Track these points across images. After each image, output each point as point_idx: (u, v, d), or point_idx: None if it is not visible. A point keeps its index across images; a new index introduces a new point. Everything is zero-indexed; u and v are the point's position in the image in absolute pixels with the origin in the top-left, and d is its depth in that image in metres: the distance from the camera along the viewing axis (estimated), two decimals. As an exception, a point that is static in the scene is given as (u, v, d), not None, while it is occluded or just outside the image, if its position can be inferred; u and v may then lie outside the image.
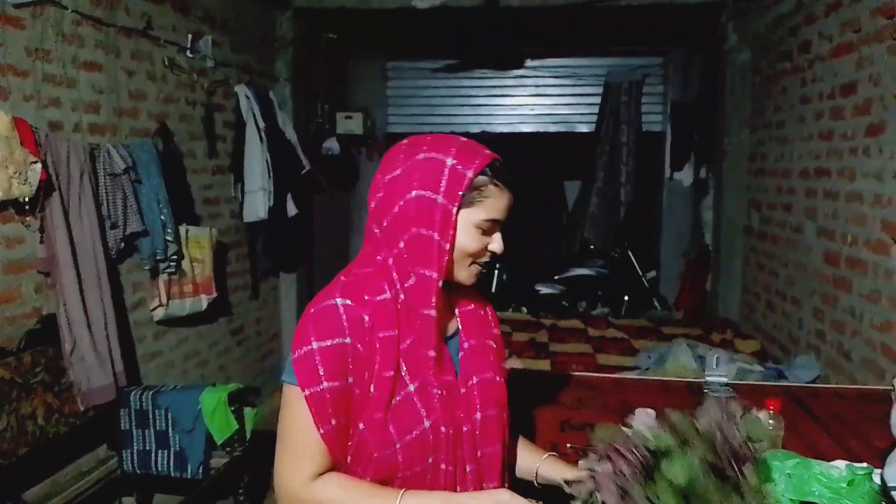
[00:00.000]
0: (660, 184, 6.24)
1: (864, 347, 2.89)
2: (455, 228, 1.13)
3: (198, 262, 3.61)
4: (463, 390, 1.20)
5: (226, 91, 4.14)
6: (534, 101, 6.28)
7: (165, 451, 2.98)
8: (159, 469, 2.99)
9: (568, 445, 1.74)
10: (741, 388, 2.19)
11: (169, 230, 3.32)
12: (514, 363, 3.35)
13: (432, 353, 1.14)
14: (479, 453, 1.20)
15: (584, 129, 6.29)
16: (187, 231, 3.55)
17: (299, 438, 1.11)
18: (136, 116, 3.35)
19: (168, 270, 3.41)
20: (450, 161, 1.12)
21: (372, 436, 1.11)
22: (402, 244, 1.13)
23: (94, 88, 3.03)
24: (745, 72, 4.64)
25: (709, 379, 2.17)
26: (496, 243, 1.18)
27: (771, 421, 1.60)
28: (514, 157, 6.40)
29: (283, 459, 1.13)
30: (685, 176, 5.94)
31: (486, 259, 1.19)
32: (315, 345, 1.08)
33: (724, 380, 2.16)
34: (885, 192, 2.74)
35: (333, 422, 1.10)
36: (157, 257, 3.30)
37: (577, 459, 1.44)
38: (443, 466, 1.15)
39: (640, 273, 6.12)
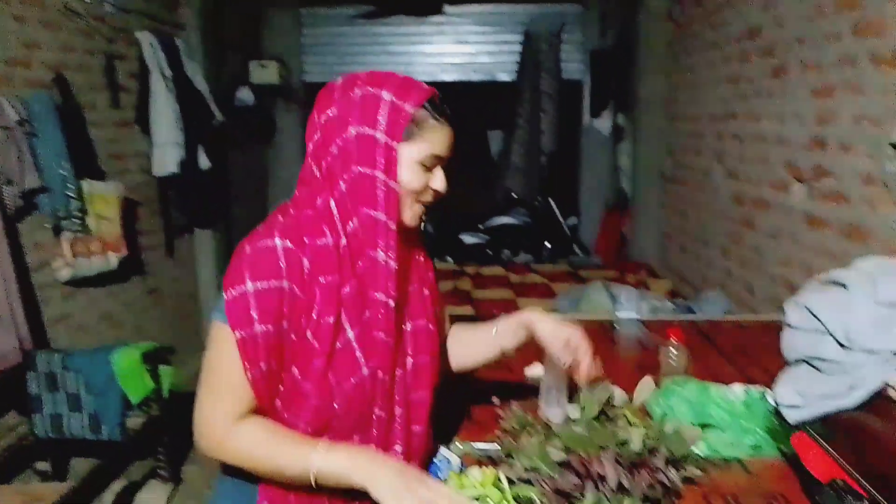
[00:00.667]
0: (579, 132, 6.30)
1: (767, 282, 3.03)
2: (397, 165, 1.09)
3: (104, 220, 3.46)
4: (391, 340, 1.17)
5: (127, 39, 3.91)
6: (454, 48, 6.20)
7: (79, 414, 2.89)
8: (73, 432, 2.90)
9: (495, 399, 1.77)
10: (651, 324, 2.27)
11: (70, 186, 3.16)
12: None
13: (384, 298, 1.11)
14: (409, 398, 1.20)
15: (505, 77, 6.27)
16: (91, 186, 3.38)
17: (224, 379, 1.08)
18: (30, 66, 3.14)
19: (72, 228, 3.25)
20: (387, 96, 1.08)
21: (310, 383, 1.09)
22: (343, 185, 1.09)
23: (-21, 35, 2.83)
24: (660, 19, 4.70)
25: (620, 316, 2.24)
26: (439, 181, 1.15)
27: (674, 351, 1.66)
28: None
29: (206, 399, 1.10)
30: (604, 123, 6.01)
31: (429, 199, 1.16)
32: (250, 286, 1.04)
33: (635, 316, 2.24)
34: (787, 133, 2.84)
35: (263, 366, 1.07)
36: (59, 214, 3.15)
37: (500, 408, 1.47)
38: (376, 411, 1.14)
39: (561, 220, 6.22)
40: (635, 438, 1.19)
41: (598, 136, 6.08)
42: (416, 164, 1.10)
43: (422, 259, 1.30)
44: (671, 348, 1.65)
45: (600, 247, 6.00)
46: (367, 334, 1.11)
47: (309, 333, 1.07)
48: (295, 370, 1.10)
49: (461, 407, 1.63)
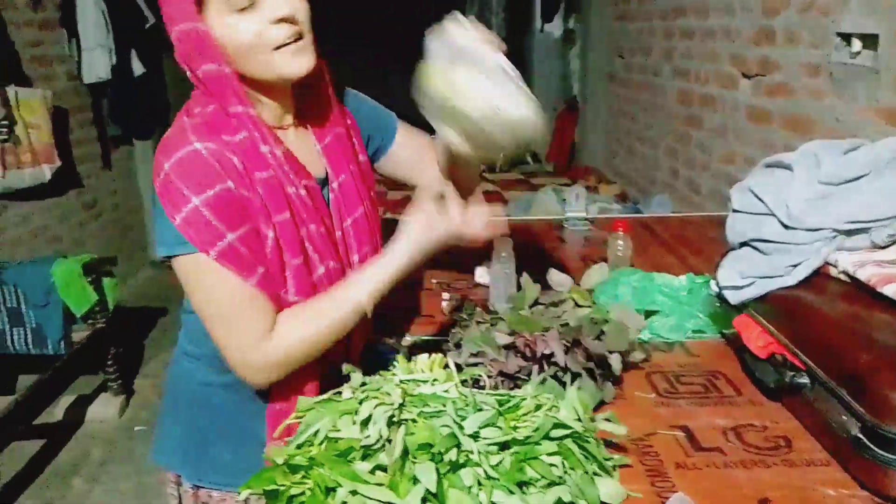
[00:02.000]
0: (531, 36, 6.17)
1: (712, 180, 3.07)
2: (217, 42, 0.93)
3: (33, 129, 3.29)
4: (339, 233, 1.11)
5: (45, -70, 3.62)
6: (399, -52, 5.94)
7: (21, 329, 2.82)
8: (16, 348, 2.84)
9: (433, 281, 1.76)
10: (598, 222, 2.28)
11: (-8, 91, 2.97)
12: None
13: (296, 191, 1.01)
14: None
15: (452, -21, 6.06)
16: (17, 93, 3.19)
17: (234, 303, 0.97)
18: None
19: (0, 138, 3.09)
20: None
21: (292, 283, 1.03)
22: (207, 91, 0.97)
23: None
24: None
25: (569, 214, 2.24)
26: (276, 7, 0.92)
27: (619, 241, 1.67)
28: (378, 9, 6.09)
29: (228, 337, 0.99)
30: (555, 27, 5.89)
31: (284, 33, 0.94)
32: (196, 199, 0.92)
33: (583, 215, 2.24)
34: (734, 25, 2.81)
35: (260, 269, 0.98)
36: (-18, 122, 2.97)
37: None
38: None
39: (512, 128, 6.18)
40: (580, 320, 1.19)
41: (549, 41, 5.96)
42: (230, 17, 0.92)
43: (351, 132, 1.17)
44: (618, 240, 1.66)
45: (551, 154, 5.98)
46: (306, 229, 1.04)
47: (270, 233, 0.98)
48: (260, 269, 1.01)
49: (412, 305, 1.63)
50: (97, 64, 3.77)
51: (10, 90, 3.16)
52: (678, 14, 3.44)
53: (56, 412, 2.98)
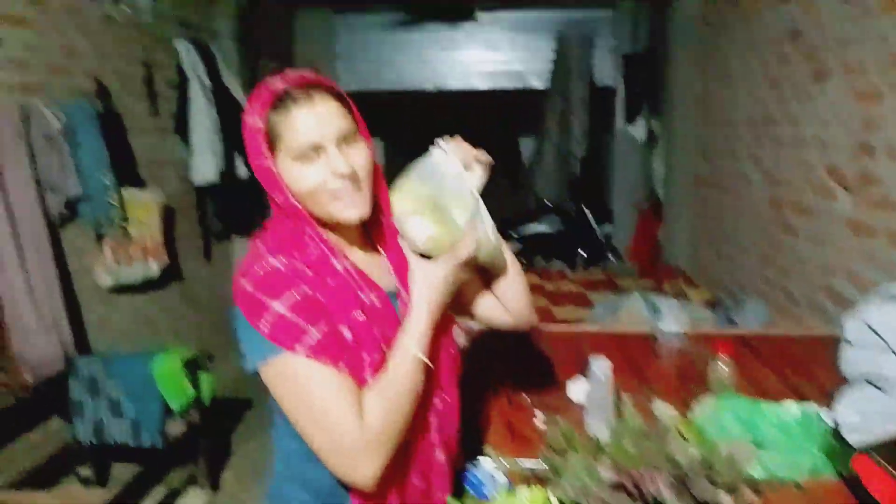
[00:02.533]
0: (612, 137, 6.25)
1: (809, 291, 2.97)
2: (284, 182, 1.07)
3: (145, 227, 3.50)
4: None
5: (165, 47, 3.97)
6: (487, 55, 6.19)
7: (120, 420, 2.92)
8: (115, 438, 2.93)
9: (524, 395, 1.75)
10: (694, 337, 2.23)
11: (112, 193, 3.21)
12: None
13: (373, 296, 1.12)
14: (442, 427, 1.22)
15: (537, 84, 6.24)
16: (132, 194, 3.43)
17: (323, 396, 1.01)
18: (70, 75, 3.20)
19: (113, 235, 3.30)
20: (248, 119, 1.06)
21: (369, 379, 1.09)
22: (283, 216, 1.11)
23: (23, 45, 2.88)
24: (693, 21, 4.63)
25: (664, 329, 2.20)
26: (330, 162, 1.05)
27: (721, 365, 1.63)
28: (468, 115, 6.32)
29: (326, 426, 1.01)
30: (637, 129, 5.96)
31: (338, 185, 1.06)
32: (278, 305, 1.00)
33: (677, 329, 2.20)
34: (829, 138, 2.78)
35: (346, 358, 1.05)
36: (101, 221, 3.19)
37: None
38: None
39: (596, 227, 6.18)
40: (689, 457, 1.16)
41: (631, 142, 6.03)
42: (296, 164, 1.05)
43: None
44: (720, 363, 1.62)
45: (634, 253, 5.94)
46: (382, 332, 1.12)
47: (347, 331, 1.06)
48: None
49: (503, 421, 1.62)
50: (206, 167, 4.02)
51: (126, 191, 3.39)
52: (767, 121, 3.43)
53: None
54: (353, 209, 1.08)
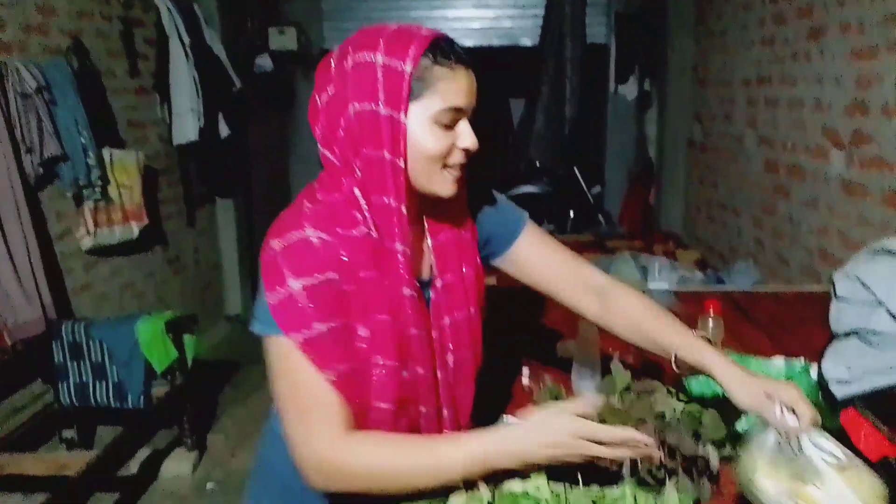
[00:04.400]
0: (604, 98, 6.17)
1: (802, 253, 2.95)
2: (406, 137, 0.95)
3: (125, 188, 3.44)
4: (435, 333, 1.08)
5: (144, 5, 3.85)
6: (476, 13, 6.07)
7: (103, 383, 2.90)
8: (98, 401, 2.91)
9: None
10: (682, 295, 2.21)
11: (90, 154, 3.13)
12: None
13: (408, 293, 1.00)
14: (453, 395, 1.12)
15: (528, 42, 6.13)
16: (111, 155, 3.36)
17: (306, 394, 0.96)
18: (47, 33, 3.10)
19: (93, 197, 3.23)
20: (380, 59, 0.93)
21: (381, 383, 1.00)
22: (358, 171, 0.97)
23: (-4, 1, 2.78)
24: (688, -21, 4.55)
25: (651, 287, 2.18)
26: (465, 137, 0.99)
27: (711, 322, 1.60)
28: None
29: (298, 427, 0.97)
30: (629, 90, 5.87)
31: (459, 160, 1.00)
32: (295, 284, 0.93)
33: (666, 287, 2.18)
34: (825, 97, 2.73)
35: (343, 367, 0.96)
36: (80, 183, 3.12)
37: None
38: (422, 409, 1.06)
39: (586, 189, 6.13)
40: (675, 412, 1.13)
41: (623, 104, 5.95)
42: (432, 125, 0.95)
43: (467, 233, 1.14)
44: (709, 321, 1.59)
45: (625, 217, 5.90)
46: (403, 332, 1.01)
47: (363, 331, 0.98)
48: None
49: (491, 382, 1.59)
50: (187, 127, 3.93)
51: (106, 152, 3.32)
52: (763, 81, 3.37)
53: (132, 466, 3.02)
54: (453, 186, 1.01)
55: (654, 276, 2.17)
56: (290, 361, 0.95)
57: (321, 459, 0.96)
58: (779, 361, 1.48)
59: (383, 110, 0.93)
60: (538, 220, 5.03)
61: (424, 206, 1.08)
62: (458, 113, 0.97)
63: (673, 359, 1.14)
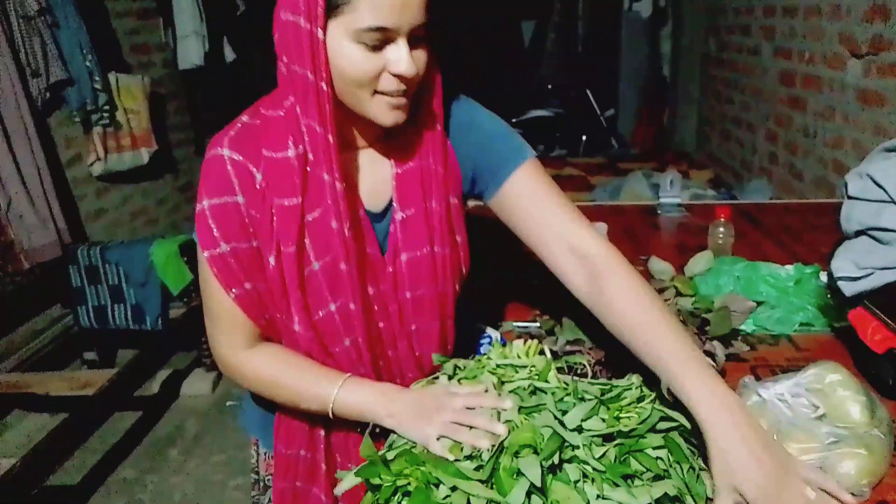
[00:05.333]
0: (618, 17, 6.00)
1: (816, 165, 2.91)
2: (326, 55, 0.86)
3: (133, 114, 3.42)
4: (390, 268, 1.02)
5: (144, -78, 3.75)
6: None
7: (121, 305, 2.95)
8: (117, 323, 2.97)
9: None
10: (693, 208, 2.19)
11: (97, 78, 3.11)
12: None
13: (336, 225, 0.93)
14: (413, 327, 1.06)
15: (538, -41, 5.95)
16: (117, 79, 3.33)
17: (215, 303, 0.99)
18: (44, -48, 3.02)
19: (101, 122, 3.23)
20: None
21: (286, 316, 0.99)
22: (291, 92, 0.90)
23: (-12, -84, 2.71)
24: None
25: (662, 200, 2.16)
26: (396, 62, 0.86)
27: (721, 229, 1.60)
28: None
29: (209, 325, 1.03)
30: (644, 6, 5.71)
31: (392, 87, 0.88)
32: (206, 202, 0.94)
33: (678, 200, 2.16)
34: (844, 2, 2.64)
35: (247, 286, 0.97)
36: (88, 108, 3.11)
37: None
38: (360, 342, 1.01)
39: (598, 111, 6.03)
40: (682, 309, 1.14)
41: (637, 21, 5.78)
42: (355, 44, 0.85)
43: (439, 165, 1.01)
44: (720, 227, 1.59)
45: (638, 138, 5.83)
46: (335, 265, 0.96)
47: (272, 260, 0.95)
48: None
49: (502, 292, 1.60)
50: (191, 51, 3.88)
51: (112, 77, 3.29)
52: (780, -10, 3.26)
53: (153, 386, 3.11)
54: (392, 113, 0.91)
55: (665, 189, 2.15)
56: (204, 272, 0.98)
57: (225, 364, 1.04)
58: (788, 267, 1.48)
59: (302, 23, 0.85)
60: (550, 143, 4.97)
61: (383, 131, 1.00)
62: (384, 33, 0.85)
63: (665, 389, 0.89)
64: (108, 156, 3.30)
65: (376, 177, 1.02)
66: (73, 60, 3.01)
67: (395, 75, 0.87)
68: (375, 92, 0.89)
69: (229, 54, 4.15)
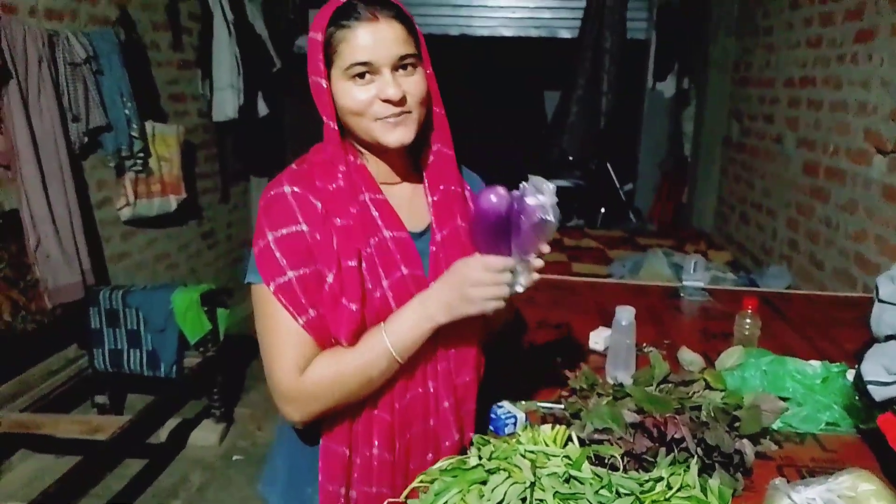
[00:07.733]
0: (641, 94, 6.11)
1: (837, 257, 2.92)
2: (333, 98, 1.06)
3: (165, 161, 3.50)
4: (433, 283, 1.11)
5: (191, -21, 3.90)
6: (515, 2, 6.05)
7: (137, 351, 2.96)
8: (131, 368, 2.98)
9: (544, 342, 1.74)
10: (716, 293, 2.20)
11: (134, 125, 3.19)
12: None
13: (389, 234, 1.08)
14: (450, 347, 1.15)
15: (566, 34, 6.09)
16: (153, 127, 3.42)
17: (280, 334, 1.06)
18: (95, 3, 3.16)
19: (134, 168, 3.30)
20: (311, 33, 1.05)
21: (344, 330, 1.05)
22: (327, 138, 1.08)
23: (49, -31, 2.83)
24: (734, -24, 4.48)
25: (686, 283, 2.17)
26: (382, 89, 1.02)
27: (748, 320, 1.60)
28: (493, 64, 6.16)
29: (273, 364, 1.07)
30: (667, 86, 5.82)
31: (382, 111, 1.04)
32: (270, 236, 1.03)
33: (701, 284, 2.17)
34: (871, 101, 2.69)
35: (312, 312, 1.04)
36: (123, 154, 3.18)
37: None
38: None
39: (618, 185, 6.09)
40: (712, 405, 1.14)
41: (660, 100, 5.89)
42: (348, 83, 1.04)
43: (459, 188, 1.17)
44: (747, 318, 1.59)
45: (656, 214, 5.86)
46: (393, 276, 1.08)
47: (331, 277, 1.03)
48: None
49: (525, 370, 1.61)
50: (227, 103, 3.98)
51: (149, 125, 3.38)
52: (806, 82, 3.33)
53: (161, 434, 3.09)
54: (394, 133, 1.06)
55: (689, 272, 2.16)
56: (267, 306, 1.05)
57: (288, 394, 1.07)
58: (815, 363, 1.48)
59: (318, 80, 1.04)
60: (568, 213, 5.01)
61: (416, 164, 1.17)
62: (363, 66, 1.02)
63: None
64: (137, 201, 3.36)
65: (416, 205, 1.16)
66: (113, 107, 3.09)
67: (384, 101, 1.03)
68: (376, 119, 1.05)
69: (262, 109, 4.26)
